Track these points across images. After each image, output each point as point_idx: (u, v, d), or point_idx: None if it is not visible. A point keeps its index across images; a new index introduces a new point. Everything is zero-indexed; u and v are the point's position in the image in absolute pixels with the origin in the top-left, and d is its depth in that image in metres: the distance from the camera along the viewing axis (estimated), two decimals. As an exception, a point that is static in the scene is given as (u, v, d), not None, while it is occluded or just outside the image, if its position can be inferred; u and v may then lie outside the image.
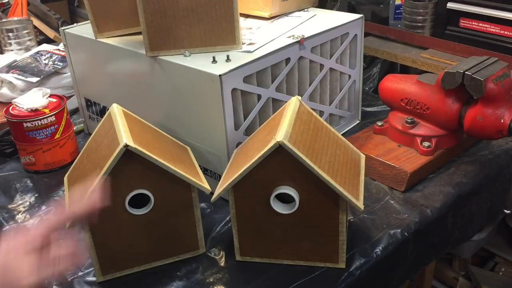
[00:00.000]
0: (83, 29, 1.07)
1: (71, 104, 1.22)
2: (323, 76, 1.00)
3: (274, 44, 0.89)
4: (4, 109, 1.03)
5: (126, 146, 0.66)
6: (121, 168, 0.68)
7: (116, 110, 0.77)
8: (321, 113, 1.03)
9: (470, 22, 1.22)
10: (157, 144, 0.76)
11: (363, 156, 0.82)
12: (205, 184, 0.74)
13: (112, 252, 0.75)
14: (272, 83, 0.89)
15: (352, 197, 0.68)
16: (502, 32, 1.17)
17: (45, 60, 1.35)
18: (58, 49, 1.40)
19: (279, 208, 0.72)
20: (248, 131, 0.87)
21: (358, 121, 1.16)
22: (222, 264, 0.78)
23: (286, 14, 1.08)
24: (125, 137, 0.68)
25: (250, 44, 0.91)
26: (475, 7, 1.19)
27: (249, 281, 0.74)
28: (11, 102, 1.05)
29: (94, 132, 0.80)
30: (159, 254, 0.78)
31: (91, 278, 0.77)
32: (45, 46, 1.45)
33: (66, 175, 0.81)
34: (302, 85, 0.97)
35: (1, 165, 1.09)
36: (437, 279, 1.60)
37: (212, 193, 0.74)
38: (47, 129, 1.01)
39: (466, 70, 0.85)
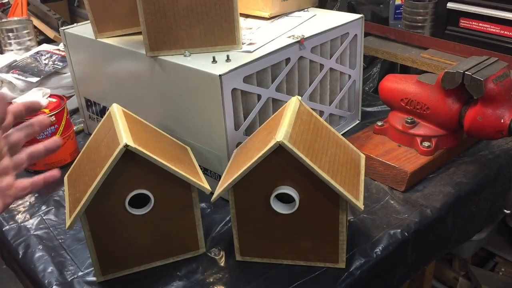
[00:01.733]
0: (83, 29, 1.07)
1: (71, 104, 1.22)
2: (323, 76, 1.00)
3: (274, 44, 0.89)
4: (4, 109, 1.03)
5: (126, 146, 0.66)
6: (121, 168, 0.68)
7: (116, 110, 0.77)
8: (321, 113, 1.03)
9: (470, 22, 1.22)
10: (157, 144, 0.76)
11: (363, 156, 0.82)
12: (205, 184, 0.74)
13: (112, 252, 0.75)
14: (272, 83, 0.89)
15: (352, 197, 0.68)
16: (502, 32, 1.17)
17: (45, 60, 1.35)
18: (58, 49, 1.40)
19: (279, 208, 0.72)
20: (248, 131, 0.87)
21: (358, 121, 1.16)
22: (222, 264, 0.78)
23: (286, 14, 1.08)
24: (125, 137, 0.68)
25: (250, 44, 0.90)
26: (475, 7, 1.19)
27: (249, 281, 0.74)
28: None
29: (94, 132, 0.80)
30: (159, 254, 0.78)
31: (91, 278, 0.77)
32: (45, 46, 1.45)
33: (66, 175, 0.81)
34: (302, 85, 0.97)
35: (1, 165, 1.09)
36: (437, 279, 1.60)
37: (212, 193, 0.74)
38: (47, 129, 1.01)
39: (466, 70, 0.85)
